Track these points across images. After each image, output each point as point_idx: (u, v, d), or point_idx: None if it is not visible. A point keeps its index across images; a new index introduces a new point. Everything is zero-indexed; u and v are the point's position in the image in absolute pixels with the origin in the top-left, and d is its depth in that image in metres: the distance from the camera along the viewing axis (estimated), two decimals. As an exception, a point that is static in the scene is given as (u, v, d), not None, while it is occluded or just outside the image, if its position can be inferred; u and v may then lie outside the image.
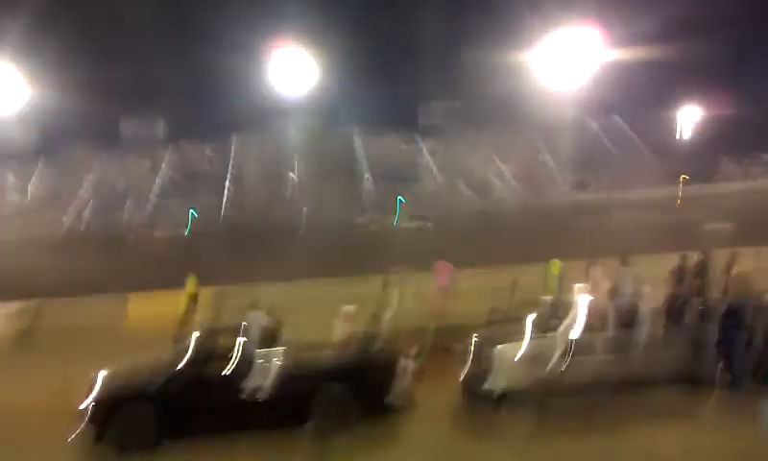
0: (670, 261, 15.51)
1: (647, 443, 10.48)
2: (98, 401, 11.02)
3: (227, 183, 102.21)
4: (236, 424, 11.19)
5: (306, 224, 73.03)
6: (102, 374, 11.33)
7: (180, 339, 12.67)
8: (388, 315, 17.06)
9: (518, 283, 18.66)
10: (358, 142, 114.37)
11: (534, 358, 11.78)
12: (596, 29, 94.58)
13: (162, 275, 25.11)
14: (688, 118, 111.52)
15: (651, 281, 14.94)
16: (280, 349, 12.03)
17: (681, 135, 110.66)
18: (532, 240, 41.39)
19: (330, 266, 31.13)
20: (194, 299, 23.27)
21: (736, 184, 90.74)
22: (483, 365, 12.08)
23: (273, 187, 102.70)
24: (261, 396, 11.16)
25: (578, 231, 47.05)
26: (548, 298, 15.32)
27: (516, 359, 11.73)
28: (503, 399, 11.69)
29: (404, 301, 18.67)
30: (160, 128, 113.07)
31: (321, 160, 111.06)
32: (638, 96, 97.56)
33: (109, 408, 10.94)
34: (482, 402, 11.94)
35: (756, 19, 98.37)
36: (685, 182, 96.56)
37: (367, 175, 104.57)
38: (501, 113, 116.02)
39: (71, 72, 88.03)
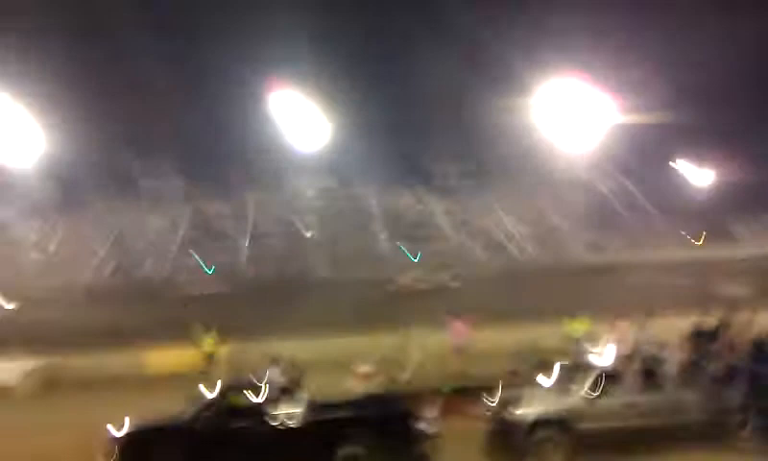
0: (684, 323, 15.49)
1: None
2: (121, 457, 11.05)
3: (246, 241, 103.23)
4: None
5: (322, 280, 73.09)
6: (118, 431, 11.37)
7: (198, 396, 12.72)
8: (405, 375, 17.10)
9: (538, 344, 18.64)
10: (373, 200, 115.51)
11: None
12: (610, 93, 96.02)
13: (182, 330, 25.25)
14: (700, 180, 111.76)
15: (669, 344, 14.94)
16: (298, 407, 12.03)
17: (693, 197, 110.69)
18: (549, 299, 41.24)
19: (347, 322, 31.15)
20: (212, 355, 23.40)
21: (749, 248, 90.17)
22: (503, 427, 12.02)
23: (289, 245, 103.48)
24: (285, 453, 11.16)
25: (594, 292, 46.83)
26: (568, 360, 15.33)
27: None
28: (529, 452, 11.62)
29: (421, 360, 18.70)
30: (179, 184, 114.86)
31: (336, 217, 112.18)
32: (650, 158, 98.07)
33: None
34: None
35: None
36: (699, 245, 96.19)
37: (383, 232, 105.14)
38: (514, 173, 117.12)
39: (88, 126, 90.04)
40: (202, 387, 13.32)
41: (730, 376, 12.71)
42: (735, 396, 12.01)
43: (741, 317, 15.03)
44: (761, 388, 11.86)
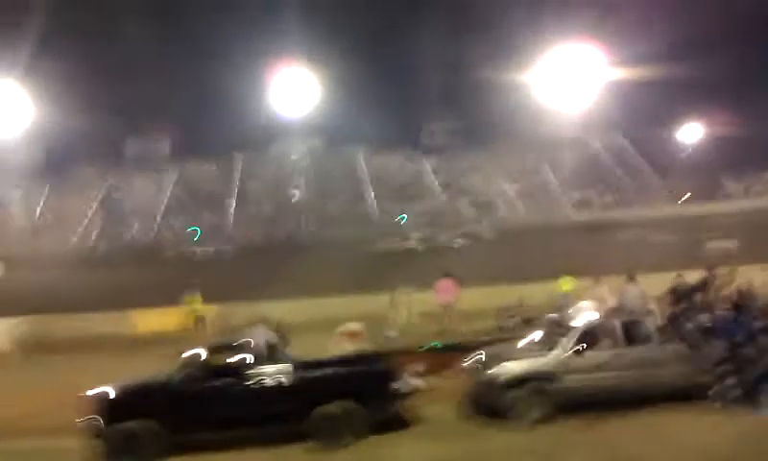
0: (669, 279, 15.57)
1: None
2: (101, 416, 11.06)
3: (232, 201, 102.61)
4: (240, 439, 11.23)
5: (311, 242, 73.12)
6: (104, 388, 11.36)
7: (185, 355, 12.70)
8: (393, 333, 17.17)
9: (524, 301, 18.73)
10: (361, 161, 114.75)
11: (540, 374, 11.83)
12: (599, 48, 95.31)
13: (169, 291, 25.20)
14: (690, 136, 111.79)
15: (654, 299, 15.05)
16: (285, 365, 12.04)
17: (683, 154, 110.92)
18: (537, 258, 41.49)
19: (336, 284, 31.21)
20: (199, 315, 23.41)
21: (738, 202, 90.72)
22: (488, 382, 12.10)
23: (277, 206, 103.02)
24: (265, 411, 11.20)
25: (582, 250, 47.11)
26: (554, 315, 15.40)
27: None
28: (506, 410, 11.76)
29: (410, 318, 18.78)
30: (166, 146, 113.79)
31: (324, 179, 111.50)
32: (641, 115, 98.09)
33: (109, 424, 10.98)
34: (487, 417, 11.99)
35: (757, 38, 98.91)
36: (688, 200, 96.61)
37: (371, 193, 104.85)
38: (504, 132, 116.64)
39: (76, 91, 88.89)
40: (187, 347, 13.33)
41: (709, 331, 12.79)
42: (714, 352, 12.08)
43: (724, 273, 15.14)
44: (739, 344, 11.91)
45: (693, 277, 15.07)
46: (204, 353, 11.81)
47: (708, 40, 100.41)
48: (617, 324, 12.31)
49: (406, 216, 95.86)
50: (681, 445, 10.52)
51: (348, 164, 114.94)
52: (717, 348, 12.10)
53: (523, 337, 14.12)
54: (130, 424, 10.96)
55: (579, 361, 11.86)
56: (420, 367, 15.01)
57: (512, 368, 11.93)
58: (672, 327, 12.69)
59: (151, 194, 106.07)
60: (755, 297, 13.60)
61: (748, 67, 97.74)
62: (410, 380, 12.43)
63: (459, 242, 59.07)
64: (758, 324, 12.46)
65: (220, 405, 11.24)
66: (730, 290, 13.71)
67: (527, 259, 41.66)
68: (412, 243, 62.02)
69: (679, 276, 15.00)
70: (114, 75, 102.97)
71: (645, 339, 12.14)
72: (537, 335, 13.43)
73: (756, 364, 11.67)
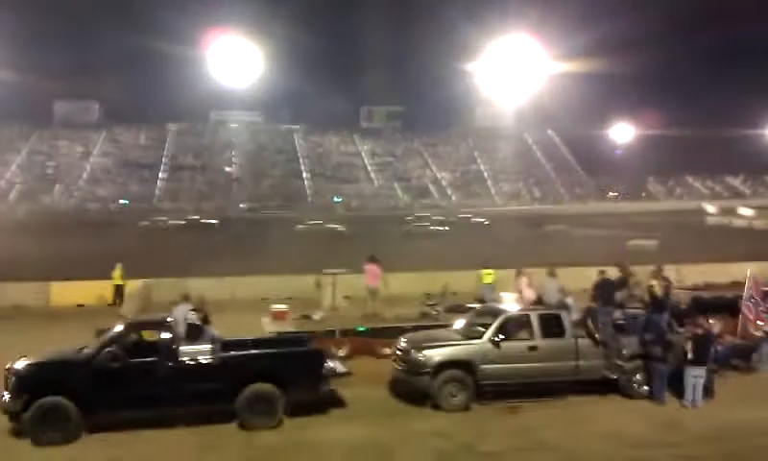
0: (595, 274, 16.09)
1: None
2: (16, 392, 10.70)
3: (160, 173, 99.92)
4: (160, 418, 11.05)
5: (241, 219, 72.15)
6: (20, 364, 10.99)
7: (104, 330, 12.37)
8: (318, 315, 17.15)
9: (449, 289, 19.00)
10: (298, 139, 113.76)
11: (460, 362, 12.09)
12: (536, 42, 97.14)
13: (89, 263, 24.45)
14: (620, 136, 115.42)
15: (576, 293, 15.52)
16: (207, 344, 11.90)
17: (612, 152, 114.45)
18: (464, 247, 42.16)
19: (262, 263, 30.95)
20: (120, 288, 22.85)
21: (661, 203, 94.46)
22: (410, 368, 12.28)
23: (209, 179, 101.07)
24: (186, 390, 11.05)
25: (507, 241, 48.14)
26: (476, 305, 15.69)
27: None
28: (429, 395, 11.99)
29: (335, 301, 18.80)
30: (96, 111, 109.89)
31: (260, 155, 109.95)
32: (574, 112, 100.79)
33: (27, 400, 10.64)
34: (410, 402, 12.19)
35: (691, 41, 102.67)
36: (614, 199, 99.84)
37: (306, 173, 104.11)
38: (441, 121, 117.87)
39: (8, 50, 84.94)
40: (109, 322, 13.01)
41: (628, 325, 13.33)
42: (631, 344, 12.63)
43: (645, 269, 15.70)
44: (655, 338, 12.48)
45: (615, 273, 15.61)
46: (123, 330, 11.54)
47: (643, 40, 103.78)
48: (535, 316, 12.68)
49: (341, 197, 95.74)
50: (593, 431, 11.04)
51: (284, 141, 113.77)
52: (629, 343, 12.64)
53: (447, 324, 14.39)
54: (48, 400, 10.63)
55: (497, 351, 12.17)
56: (346, 350, 15.15)
57: (434, 354, 12.13)
58: (587, 321, 13.13)
59: (76, 159, 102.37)
60: (668, 296, 14.19)
61: (681, 70, 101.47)
62: (336, 363, 12.49)
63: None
64: (668, 323, 13.09)
65: (139, 384, 11.00)
66: (646, 289, 14.22)
67: (455, 248, 42.33)
68: (335, 224, 61.99)
69: (602, 272, 15.49)
70: (47, 35, 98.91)
71: (562, 332, 12.55)
72: (459, 323, 13.69)
73: (663, 361, 12.23)
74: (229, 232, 57.69)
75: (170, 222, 68.21)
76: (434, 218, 68.00)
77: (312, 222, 62.94)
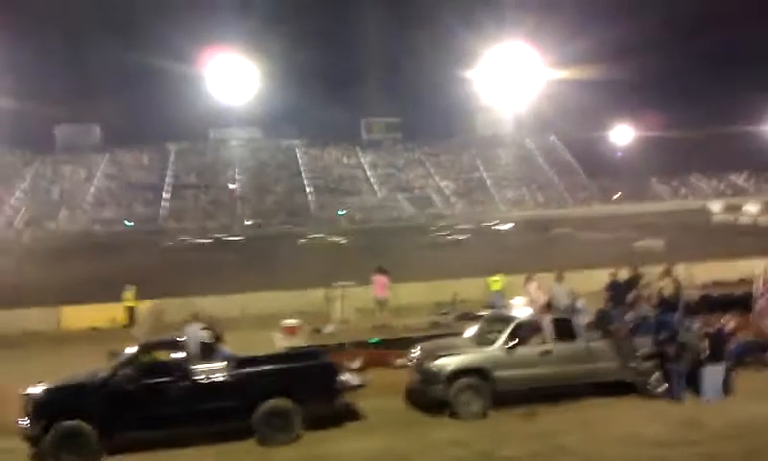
0: (604, 276, 16.12)
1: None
2: (35, 418, 10.75)
3: (164, 193, 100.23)
4: (177, 438, 11.07)
5: (247, 235, 72.17)
6: (37, 389, 11.04)
7: (117, 353, 12.42)
8: (330, 329, 17.18)
9: (459, 297, 19.02)
10: (300, 154, 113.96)
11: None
12: (535, 50, 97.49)
13: (98, 286, 24.48)
14: (622, 138, 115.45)
15: (585, 296, 15.55)
16: (220, 362, 11.92)
17: (614, 155, 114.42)
18: (472, 255, 42.14)
19: (272, 279, 30.96)
20: (132, 310, 22.87)
21: (666, 204, 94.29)
22: (425, 377, 12.28)
23: (212, 198, 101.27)
24: (202, 409, 11.07)
25: (516, 247, 48.08)
26: (487, 312, 15.70)
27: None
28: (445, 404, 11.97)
29: (345, 314, 18.81)
30: (96, 134, 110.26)
31: (262, 171, 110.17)
32: (574, 116, 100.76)
33: (46, 425, 10.69)
34: (426, 411, 12.17)
35: (689, 44, 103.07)
36: (618, 201, 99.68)
37: (308, 186, 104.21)
38: (441, 130, 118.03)
39: (7, 76, 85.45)
40: (122, 344, 13.05)
41: (640, 326, 13.33)
42: (644, 345, 12.62)
43: (654, 270, 15.75)
44: (668, 338, 12.47)
45: (626, 274, 15.64)
46: (136, 352, 11.57)
47: (641, 45, 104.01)
48: (548, 320, 12.68)
49: (345, 210, 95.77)
50: (611, 433, 11.00)
51: (285, 157, 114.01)
52: (643, 344, 12.63)
53: (458, 332, 14.40)
54: (66, 425, 10.67)
55: (512, 356, 12.17)
56: (359, 362, 15.14)
57: (448, 362, 12.13)
58: (600, 323, 13.14)
59: (80, 183, 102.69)
60: (679, 296, 14.22)
61: (679, 73, 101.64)
62: (350, 375, 12.50)
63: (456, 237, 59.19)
64: (680, 322, 13.09)
65: (155, 404, 11.04)
66: (656, 289, 14.26)
67: (463, 255, 42.32)
68: (336, 238, 61.84)
69: (613, 274, 15.52)
70: (45, 60, 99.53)
71: (574, 335, 12.54)
72: (470, 331, 13.70)
73: (678, 361, 12.20)
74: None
75: (195, 241, 67.69)
76: (457, 227, 67.06)
77: (313, 236, 62.87)
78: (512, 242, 52.17)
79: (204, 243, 66.65)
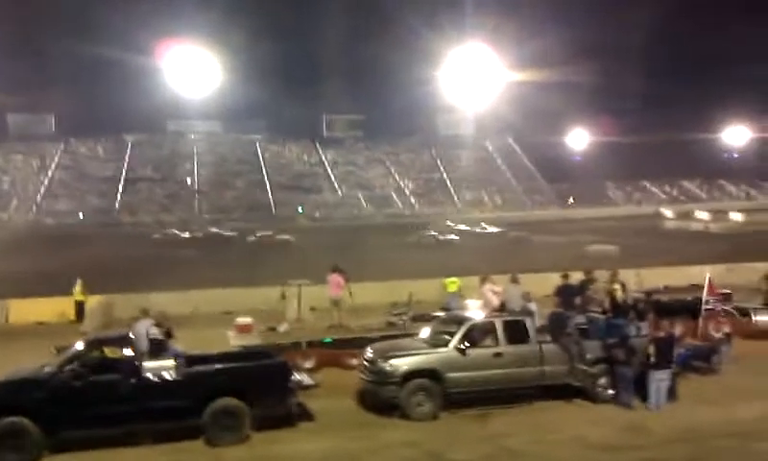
0: (556, 279, 16.32)
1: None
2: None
3: (120, 185, 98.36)
4: (124, 436, 10.86)
5: (203, 230, 71.29)
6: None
7: (65, 348, 12.12)
8: (283, 327, 17.04)
9: (415, 298, 19.02)
10: (260, 149, 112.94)
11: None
12: (493, 51, 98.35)
13: (47, 279, 23.89)
14: (578, 142, 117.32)
15: (539, 299, 15.72)
16: (170, 360, 11.73)
17: (570, 159, 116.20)
18: (427, 256, 42.36)
19: (226, 276, 30.66)
20: (81, 305, 22.36)
21: (620, 208, 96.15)
22: (377, 378, 12.27)
23: (168, 191, 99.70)
24: (151, 407, 10.88)
25: (471, 249, 48.49)
26: (441, 313, 15.75)
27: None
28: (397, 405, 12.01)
29: (301, 313, 18.68)
30: (51, 124, 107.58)
31: (220, 166, 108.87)
32: (533, 119, 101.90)
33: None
34: (378, 412, 12.18)
35: (644, 50, 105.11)
36: (573, 205, 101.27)
37: (268, 183, 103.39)
38: (402, 129, 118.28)
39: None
40: (70, 339, 12.75)
41: (589, 329, 13.53)
42: (594, 348, 12.80)
43: (605, 273, 15.99)
44: (618, 342, 12.67)
45: (577, 278, 15.84)
46: (84, 347, 11.31)
47: (600, 49, 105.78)
48: (499, 323, 12.78)
49: (303, 207, 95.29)
50: (560, 437, 11.14)
51: (245, 152, 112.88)
52: (592, 348, 12.81)
53: (412, 334, 14.42)
54: (7, 421, 10.36)
55: (463, 358, 12.23)
56: (313, 362, 15.06)
57: (401, 363, 12.14)
58: (551, 327, 13.30)
59: (33, 173, 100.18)
60: (628, 300, 14.47)
61: (637, 78, 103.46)
62: (303, 375, 12.41)
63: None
64: (630, 327, 13.30)
65: (102, 402, 10.79)
66: (606, 293, 14.47)
67: (419, 256, 42.52)
68: (286, 235, 61.50)
69: (564, 277, 15.71)
70: None
71: (525, 338, 12.67)
72: (425, 332, 13.73)
73: (627, 364, 12.40)
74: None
75: (183, 235, 67.06)
76: (448, 227, 66.54)
77: (261, 234, 62.60)
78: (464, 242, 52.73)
79: (192, 237, 66.05)
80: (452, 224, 69.54)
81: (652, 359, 12.35)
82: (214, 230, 71.91)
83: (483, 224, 68.81)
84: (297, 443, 11.10)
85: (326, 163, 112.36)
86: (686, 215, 78.93)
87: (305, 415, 12.01)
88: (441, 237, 57.80)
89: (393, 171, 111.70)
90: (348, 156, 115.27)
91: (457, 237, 58.88)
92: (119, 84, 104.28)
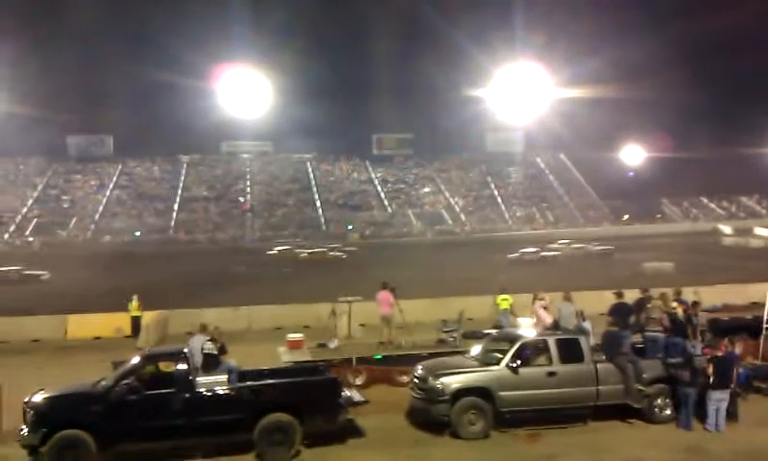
0: (611, 297, 15.97)
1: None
2: (34, 426, 10.69)
3: (175, 204, 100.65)
4: (177, 450, 11.00)
5: (255, 248, 72.24)
6: (38, 397, 11.00)
7: (121, 362, 12.37)
8: (334, 344, 17.08)
9: (465, 315, 18.85)
10: (310, 168, 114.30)
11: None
12: (546, 69, 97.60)
13: (105, 295, 24.48)
14: (632, 159, 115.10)
15: (592, 317, 15.40)
16: (224, 375, 11.87)
17: (625, 175, 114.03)
18: (480, 273, 41.96)
19: (278, 293, 30.92)
20: (137, 320, 22.85)
21: (677, 225, 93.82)
22: (428, 395, 12.17)
23: (222, 210, 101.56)
24: (204, 422, 11.00)
25: (524, 266, 47.89)
26: (493, 330, 15.56)
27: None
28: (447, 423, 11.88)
29: (351, 329, 18.70)
30: (109, 145, 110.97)
31: (272, 185, 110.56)
32: (585, 135, 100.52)
33: (45, 433, 10.63)
34: (429, 430, 12.07)
35: (701, 65, 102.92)
36: (628, 221, 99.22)
37: (318, 201, 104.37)
38: (451, 147, 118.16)
39: (22, 84, 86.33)
40: (126, 354, 13.00)
41: (647, 348, 13.17)
42: (653, 367, 12.45)
43: (662, 291, 15.57)
44: (682, 362, 12.28)
45: (632, 296, 15.47)
46: (139, 362, 11.52)
47: (652, 65, 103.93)
48: (552, 341, 12.54)
49: (352, 225, 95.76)
50: (615, 457, 10.86)
51: (296, 170, 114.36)
52: (651, 367, 12.45)
53: (463, 351, 14.27)
54: (65, 434, 10.59)
55: (515, 377, 12.04)
56: (362, 378, 15.05)
57: (452, 381, 12.02)
58: (606, 346, 12.98)
59: (91, 192, 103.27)
60: (689, 319, 14.03)
61: (691, 93, 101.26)
62: (353, 392, 12.40)
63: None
64: (694, 346, 12.88)
65: (156, 416, 10.96)
66: (664, 311, 14.07)
67: (471, 273, 42.13)
68: (337, 252, 61.57)
69: (618, 295, 15.36)
70: (60, 69, 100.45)
71: (579, 357, 12.39)
72: (476, 350, 13.57)
73: (692, 385, 11.98)
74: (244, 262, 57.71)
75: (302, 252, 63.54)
76: (549, 245, 63.80)
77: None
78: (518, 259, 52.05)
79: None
80: (566, 242, 65.09)
81: (711, 379, 11.94)
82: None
83: (594, 243, 62.79)
84: (346, 459, 11.08)
85: (376, 181, 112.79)
86: (745, 231, 76.44)
87: (355, 431, 11.99)
88: (543, 254, 56.16)
89: (442, 188, 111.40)
90: (397, 173, 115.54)
91: (558, 252, 57.18)
92: (175, 106, 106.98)
